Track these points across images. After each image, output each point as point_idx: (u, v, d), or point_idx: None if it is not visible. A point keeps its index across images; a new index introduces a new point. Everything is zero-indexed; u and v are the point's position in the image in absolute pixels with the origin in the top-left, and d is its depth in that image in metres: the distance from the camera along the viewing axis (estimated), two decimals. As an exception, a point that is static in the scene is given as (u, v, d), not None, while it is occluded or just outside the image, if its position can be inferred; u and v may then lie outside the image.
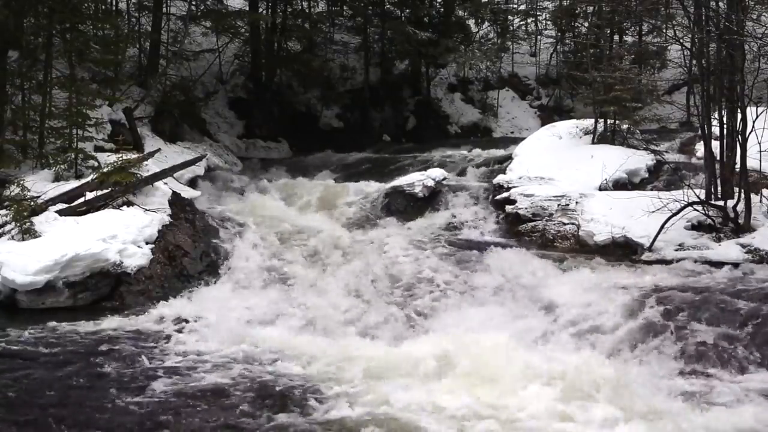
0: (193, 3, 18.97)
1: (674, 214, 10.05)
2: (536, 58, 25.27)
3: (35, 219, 9.48)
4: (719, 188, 10.61)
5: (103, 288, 8.97)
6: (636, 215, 10.32)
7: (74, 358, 7.05)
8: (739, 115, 10.24)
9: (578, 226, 10.95)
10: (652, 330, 7.53)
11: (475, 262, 10.00)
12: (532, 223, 11.46)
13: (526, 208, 11.70)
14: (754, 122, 10.03)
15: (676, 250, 9.87)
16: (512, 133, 21.89)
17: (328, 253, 10.42)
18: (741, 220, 10.02)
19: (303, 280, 9.61)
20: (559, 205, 11.55)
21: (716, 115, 10.70)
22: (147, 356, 7.14)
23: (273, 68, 21.31)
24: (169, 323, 8.21)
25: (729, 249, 9.62)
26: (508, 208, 11.97)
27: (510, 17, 25.11)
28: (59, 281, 8.65)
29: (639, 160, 12.83)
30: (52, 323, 8.04)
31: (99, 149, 12.75)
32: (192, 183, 13.88)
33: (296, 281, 9.62)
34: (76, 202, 10.30)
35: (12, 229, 9.36)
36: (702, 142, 11.40)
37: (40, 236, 9.27)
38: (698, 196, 10.29)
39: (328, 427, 5.76)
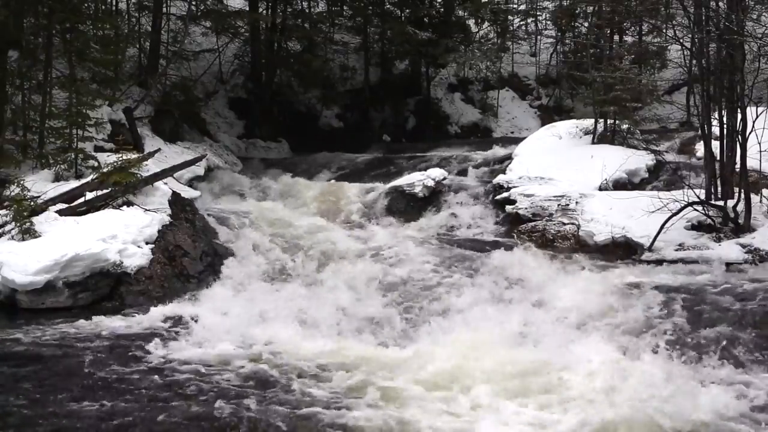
0: (193, 3, 18.99)
1: (674, 214, 10.05)
2: (536, 58, 25.28)
3: (35, 219, 9.46)
4: (719, 188, 10.61)
5: (103, 288, 8.96)
6: (636, 215, 10.33)
7: (74, 359, 7.03)
8: (739, 115, 10.24)
9: (578, 226, 10.95)
10: (652, 330, 7.52)
11: (475, 262, 10.00)
12: (532, 223, 11.46)
13: (526, 208, 11.71)
14: (754, 122, 10.03)
15: (676, 250, 9.88)
16: (512, 133, 21.90)
17: (328, 254, 10.42)
18: (741, 220, 10.03)
19: (302, 281, 9.61)
20: (559, 205, 11.56)
21: (716, 115, 10.70)
22: (147, 357, 7.14)
23: (273, 68, 21.31)
24: (168, 323, 8.19)
25: (729, 249, 9.63)
26: (508, 208, 11.98)
27: (510, 17, 25.10)
28: (59, 281, 8.64)
29: (639, 160, 12.83)
30: (52, 323, 8.03)
31: (99, 149, 12.74)
32: (192, 183, 13.87)
33: (296, 281, 9.61)
34: (76, 202, 10.29)
35: (12, 229, 9.35)
36: (702, 142, 11.40)
37: (40, 236, 9.26)
38: (698, 196, 10.29)
39: (328, 426, 5.77)
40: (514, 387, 6.47)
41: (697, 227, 10.24)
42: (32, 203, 9.74)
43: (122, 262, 9.09)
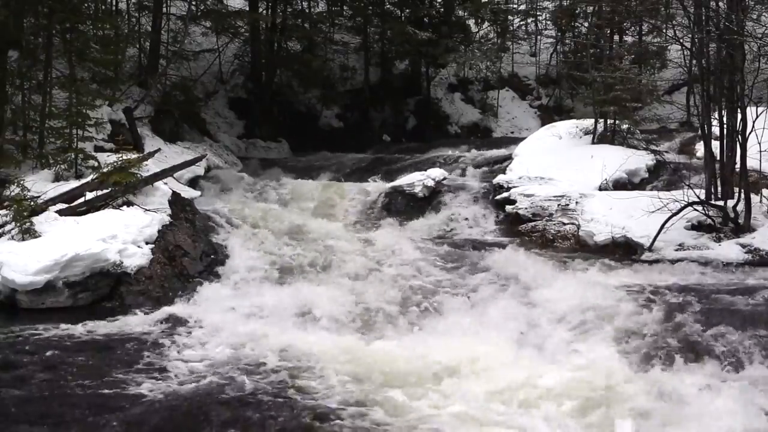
0: (193, 3, 18.99)
1: (674, 214, 10.05)
2: (536, 58, 25.30)
3: (35, 219, 9.46)
4: (719, 188, 10.62)
5: (103, 288, 8.96)
6: (636, 215, 10.33)
7: (73, 359, 7.03)
8: (739, 115, 10.25)
9: (578, 226, 10.96)
10: (652, 330, 7.52)
11: (475, 262, 9.99)
12: (532, 223, 11.47)
13: (526, 208, 11.71)
14: (754, 122, 10.04)
15: (676, 250, 9.88)
16: (512, 133, 21.92)
17: (328, 254, 10.41)
18: (741, 220, 10.03)
19: (303, 281, 9.61)
20: (559, 205, 11.56)
21: (716, 115, 10.71)
22: (146, 357, 7.13)
23: (273, 68, 21.31)
24: (168, 323, 8.18)
25: (729, 249, 9.64)
26: (508, 208, 11.99)
27: (510, 17, 25.13)
28: (59, 281, 8.63)
29: (639, 160, 12.84)
30: (52, 323, 8.02)
31: (99, 149, 12.74)
32: (192, 183, 13.87)
33: (296, 282, 9.61)
34: (76, 202, 10.29)
35: (12, 229, 9.34)
36: (702, 142, 11.41)
37: (40, 236, 9.26)
38: (698, 196, 10.29)
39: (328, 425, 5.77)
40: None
41: (697, 227, 10.25)
42: (32, 203, 9.74)
43: (122, 262, 9.09)
